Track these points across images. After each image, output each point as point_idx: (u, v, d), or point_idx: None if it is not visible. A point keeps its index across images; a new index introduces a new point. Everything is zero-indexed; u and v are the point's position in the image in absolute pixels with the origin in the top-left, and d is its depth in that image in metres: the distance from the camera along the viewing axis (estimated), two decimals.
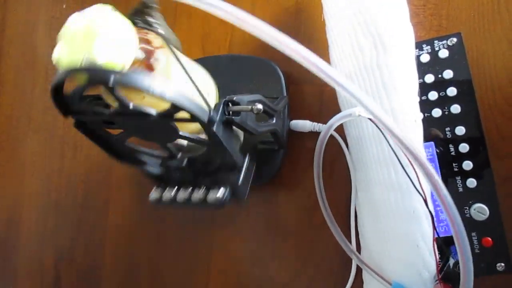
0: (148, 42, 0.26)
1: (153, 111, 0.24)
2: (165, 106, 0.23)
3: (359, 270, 0.36)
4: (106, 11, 0.24)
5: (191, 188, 0.30)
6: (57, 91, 0.24)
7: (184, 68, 0.27)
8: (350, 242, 0.36)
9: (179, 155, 0.30)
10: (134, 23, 0.27)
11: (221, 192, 0.28)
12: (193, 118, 0.24)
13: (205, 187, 0.29)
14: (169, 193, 0.30)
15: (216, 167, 0.30)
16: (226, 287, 0.42)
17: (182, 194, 0.30)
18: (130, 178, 0.47)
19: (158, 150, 0.30)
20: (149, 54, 0.26)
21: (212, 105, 0.27)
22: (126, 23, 0.25)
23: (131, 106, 0.24)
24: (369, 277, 0.34)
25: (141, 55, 0.25)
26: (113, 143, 0.29)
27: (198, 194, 0.29)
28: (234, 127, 0.28)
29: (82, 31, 0.23)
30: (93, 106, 0.26)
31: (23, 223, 0.53)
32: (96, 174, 0.49)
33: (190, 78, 0.28)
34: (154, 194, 0.31)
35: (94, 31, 0.22)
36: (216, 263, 0.42)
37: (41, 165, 0.52)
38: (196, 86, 0.27)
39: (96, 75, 0.22)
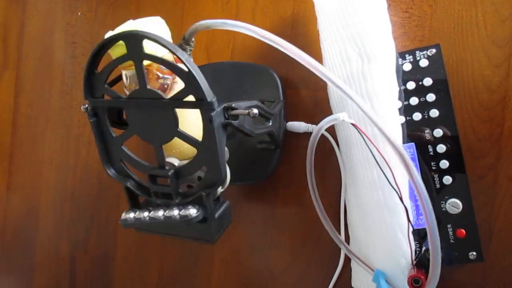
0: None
1: (165, 96, 0.28)
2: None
3: (347, 259, 0.40)
4: (157, 19, 0.31)
5: (162, 210, 0.31)
6: (91, 67, 0.29)
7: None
8: (340, 233, 0.40)
9: (167, 167, 0.31)
10: None
11: (193, 211, 0.29)
12: (198, 102, 0.27)
13: (177, 209, 0.30)
14: (141, 214, 0.31)
15: (196, 192, 0.30)
16: (227, 275, 0.45)
17: (153, 214, 0.30)
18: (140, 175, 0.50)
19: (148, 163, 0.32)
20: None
21: (199, 131, 0.31)
22: (168, 30, 0.31)
23: (148, 86, 0.28)
24: (356, 265, 0.37)
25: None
26: (111, 144, 0.32)
27: (171, 212, 0.30)
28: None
29: (133, 25, 0.30)
30: (113, 93, 0.30)
31: (41, 215, 0.57)
32: None
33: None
34: (124, 215, 0.32)
35: (142, 24, 0.30)
36: (219, 253, 0.46)
37: (58, 161, 0.55)
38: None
39: (132, 34, 0.27)
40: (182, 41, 0.33)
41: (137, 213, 0.31)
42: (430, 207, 0.26)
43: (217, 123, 0.28)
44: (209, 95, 0.27)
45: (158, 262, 0.49)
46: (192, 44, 0.33)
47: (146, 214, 0.31)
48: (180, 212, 0.30)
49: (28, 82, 0.58)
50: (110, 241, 0.52)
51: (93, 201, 0.53)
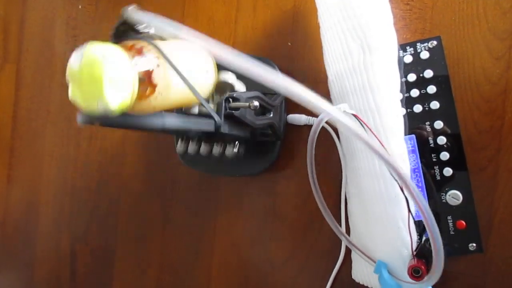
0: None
1: None
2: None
3: (348, 251, 0.40)
4: (103, 50, 0.24)
5: (209, 143, 0.36)
6: None
7: (181, 76, 0.28)
8: (340, 225, 0.40)
9: None
10: (126, 34, 0.27)
11: (236, 147, 0.35)
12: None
13: (222, 144, 0.36)
14: (192, 147, 0.36)
15: None
16: (227, 267, 0.46)
17: (204, 148, 0.35)
18: (141, 168, 0.50)
19: None
20: (148, 73, 0.27)
21: (212, 76, 0.32)
22: (123, 57, 0.25)
23: None
24: (357, 256, 0.37)
25: (142, 76, 0.26)
26: None
27: (217, 148, 0.35)
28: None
29: (88, 76, 0.24)
30: None
31: (41, 208, 0.56)
32: (109, 164, 0.52)
33: (189, 85, 0.29)
34: (179, 147, 0.37)
35: (99, 76, 0.23)
36: (219, 246, 0.46)
37: (58, 155, 0.55)
38: (196, 93, 0.29)
39: (113, 122, 0.26)
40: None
41: (189, 145, 0.36)
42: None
43: (227, 130, 0.31)
44: (211, 126, 0.30)
45: (159, 255, 0.49)
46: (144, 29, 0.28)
47: (195, 147, 0.36)
48: (226, 151, 0.36)
49: (29, 75, 0.57)
50: (111, 234, 0.52)
51: (93, 194, 0.53)
